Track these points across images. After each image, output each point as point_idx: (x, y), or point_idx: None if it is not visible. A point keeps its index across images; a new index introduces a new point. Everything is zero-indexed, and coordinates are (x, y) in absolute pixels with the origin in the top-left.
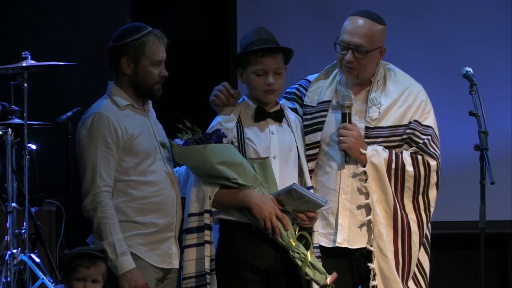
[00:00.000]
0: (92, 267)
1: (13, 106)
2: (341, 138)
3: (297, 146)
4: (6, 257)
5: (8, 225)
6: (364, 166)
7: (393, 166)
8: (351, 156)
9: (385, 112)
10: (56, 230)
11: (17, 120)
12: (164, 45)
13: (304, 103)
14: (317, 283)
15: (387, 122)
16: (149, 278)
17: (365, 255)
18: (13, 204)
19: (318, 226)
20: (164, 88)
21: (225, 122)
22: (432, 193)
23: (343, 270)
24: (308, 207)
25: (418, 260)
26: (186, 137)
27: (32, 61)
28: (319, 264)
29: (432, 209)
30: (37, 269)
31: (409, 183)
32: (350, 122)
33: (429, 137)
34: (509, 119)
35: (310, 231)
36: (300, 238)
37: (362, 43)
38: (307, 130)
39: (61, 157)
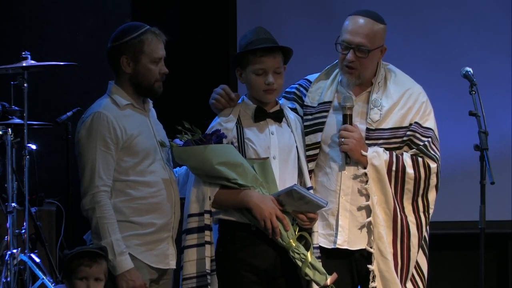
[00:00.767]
0: (94, 266)
1: (13, 106)
2: (342, 139)
3: (296, 147)
4: (6, 257)
5: (8, 225)
6: (365, 168)
7: (394, 168)
8: (352, 158)
9: (386, 114)
10: (56, 230)
11: (17, 120)
12: (162, 43)
13: (305, 103)
14: (317, 284)
15: (388, 124)
16: (144, 279)
17: (365, 256)
18: (13, 204)
19: (318, 226)
20: (164, 88)
21: (224, 122)
22: (432, 195)
23: (343, 271)
24: (309, 208)
25: (417, 262)
26: (186, 138)
27: (32, 61)
28: (319, 264)
29: (431, 211)
30: (37, 269)
31: (409, 185)
32: (351, 123)
33: (430, 139)
34: (509, 119)
35: (310, 232)
36: (300, 239)
37: (364, 43)
38: (307, 131)
39: (61, 157)
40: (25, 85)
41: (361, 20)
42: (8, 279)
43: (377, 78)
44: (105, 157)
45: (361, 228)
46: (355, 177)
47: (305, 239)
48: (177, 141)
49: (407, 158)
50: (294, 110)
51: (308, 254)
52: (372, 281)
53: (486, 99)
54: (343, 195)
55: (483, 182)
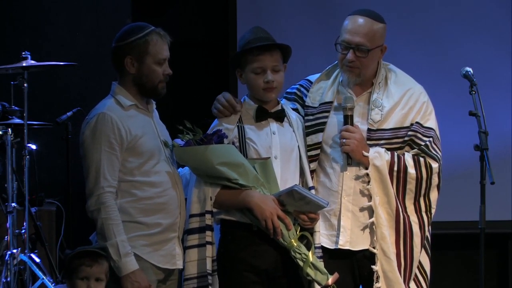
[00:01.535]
0: (95, 265)
1: (13, 106)
2: (344, 140)
3: (298, 146)
4: (6, 257)
5: (8, 225)
6: (367, 169)
7: (395, 168)
8: (354, 159)
9: (387, 114)
10: (56, 230)
11: (17, 120)
12: (167, 44)
13: (306, 104)
14: (319, 284)
15: (389, 124)
16: (150, 280)
17: (367, 257)
18: (13, 204)
19: (319, 226)
20: (167, 80)
21: (226, 122)
22: (434, 195)
23: (345, 272)
24: (310, 208)
25: (419, 261)
26: (187, 138)
27: (32, 61)
28: (320, 264)
29: (433, 211)
30: (37, 269)
31: (411, 185)
32: (352, 124)
33: (431, 139)
34: (509, 119)
35: (312, 232)
36: (301, 239)
37: (363, 42)
38: (308, 131)
39: (61, 157)
40: (25, 85)
41: (360, 20)
42: (8, 279)
43: (378, 78)
44: (110, 158)
45: (363, 228)
46: (357, 177)
47: (306, 239)
48: (178, 141)
49: (408, 158)
50: (295, 110)
51: (310, 254)
52: (376, 282)
53: (486, 99)
54: (345, 195)
55: (483, 182)
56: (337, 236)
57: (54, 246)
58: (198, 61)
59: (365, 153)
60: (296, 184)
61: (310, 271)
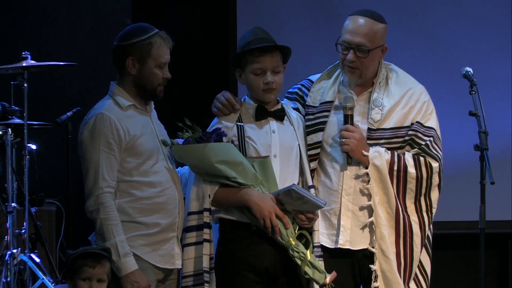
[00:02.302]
0: (97, 266)
1: (13, 106)
2: (343, 140)
3: (299, 145)
4: (6, 257)
5: (8, 225)
6: (367, 168)
7: (395, 167)
8: (354, 158)
9: (388, 114)
10: (56, 230)
11: (17, 120)
12: (169, 48)
13: (306, 103)
14: (317, 282)
15: (389, 123)
16: (150, 279)
17: (367, 256)
18: (13, 204)
19: (318, 225)
20: (164, 88)
21: (225, 120)
22: (434, 195)
23: (345, 271)
24: (308, 207)
25: (420, 261)
26: (186, 136)
27: (32, 61)
28: (318, 263)
29: (434, 211)
30: (37, 269)
31: (411, 185)
32: (352, 123)
33: (431, 138)
34: (509, 119)
35: (310, 231)
36: (299, 237)
37: (364, 42)
38: (309, 130)
39: (61, 157)
40: (25, 85)
41: (361, 20)
42: (8, 279)
43: (378, 78)
44: (109, 158)
45: (363, 228)
46: (357, 177)
47: (305, 238)
48: (178, 140)
49: (408, 158)
50: (296, 109)
51: (308, 252)
52: (374, 281)
53: (486, 99)
54: (345, 195)
55: (483, 182)
56: (337, 235)
57: (54, 246)
58: (198, 61)
59: (365, 153)
60: (294, 184)
61: (308, 269)
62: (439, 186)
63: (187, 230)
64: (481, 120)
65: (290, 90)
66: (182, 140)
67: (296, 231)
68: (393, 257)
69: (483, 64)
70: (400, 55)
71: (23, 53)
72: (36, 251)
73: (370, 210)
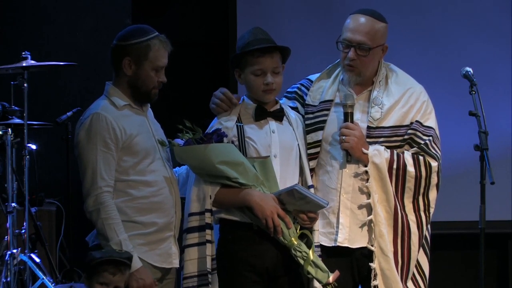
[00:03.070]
0: (117, 274)
1: (13, 106)
2: (343, 137)
3: (298, 145)
4: (6, 257)
5: (8, 225)
6: (366, 166)
7: (395, 166)
8: (353, 156)
9: (387, 112)
10: (56, 230)
11: (17, 120)
12: (167, 52)
13: (306, 102)
14: (320, 282)
15: (389, 122)
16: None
17: (366, 254)
18: (13, 204)
19: (318, 225)
20: (163, 88)
21: (225, 121)
22: (432, 194)
23: (344, 270)
24: (310, 207)
25: (417, 261)
26: (187, 137)
27: (32, 61)
28: (321, 262)
29: (432, 210)
30: (37, 269)
31: (410, 184)
32: (352, 121)
33: (431, 138)
34: (509, 119)
35: (311, 230)
36: (301, 237)
37: (364, 41)
38: (308, 129)
39: (61, 157)
40: (25, 85)
41: (362, 19)
42: (8, 279)
43: (378, 77)
44: (106, 157)
45: (361, 226)
46: (356, 175)
47: (306, 237)
48: (178, 140)
49: (408, 157)
50: (295, 109)
51: (310, 252)
52: (373, 279)
53: (486, 99)
54: (344, 193)
55: (483, 182)
56: (336, 233)
57: (54, 246)
58: (198, 61)
59: (365, 151)
60: (296, 184)
61: (311, 269)
62: (437, 185)
63: (188, 231)
64: (481, 120)
65: (289, 89)
66: (181, 141)
67: (297, 231)
68: (391, 255)
69: (483, 64)
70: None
71: (23, 53)
72: (36, 251)
73: (369, 209)
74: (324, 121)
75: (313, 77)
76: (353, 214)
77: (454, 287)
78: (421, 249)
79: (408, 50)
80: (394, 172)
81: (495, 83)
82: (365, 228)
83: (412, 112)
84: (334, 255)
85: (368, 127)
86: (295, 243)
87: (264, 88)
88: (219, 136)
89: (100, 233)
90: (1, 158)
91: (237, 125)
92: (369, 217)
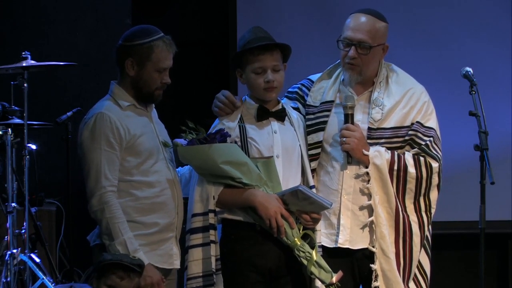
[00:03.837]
0: (126, 279)
1: (13, 106)
2: (344, 139)
3: (300, 145)
4: (6, 257)
5: (8, 225)
6: (367, 167)
7: (396, 167)
8: (354, 157)
9: (388, 113)
10: (56, 230)
11: (17, 120)
12: (171, 53)
13: (307, 103)
14: (323, 282)
15: (389, 123)
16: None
17: (367, 255)
18: (13, 204)
19: (320, 225)
20: (164, 88)
21: (227, 121)
22: (434, 195)
23: (345, 271)
24: (313, 208)
25: (419, 261)
26: (190, 137)
27: (32, 61)
28: (324, 263)
29: (433, 211)
30: (37, 269)
31: (411, 185)
32: (352, 123)
33: (431, 138)
34: (509, 119)
35: (313, 231)
36: (304, 237)
37: (365, 39)
38: (309, 130)
39: (61, 157)
40: (25, 85)
41: (363, 18)
42: (8, 279)
43: (379, 77)
44: (110, 157)
45: (362, 227)
46: (357, 176)
47: (309, 238)
48: (180, 140)
49: (408, 158)
50: (296, 109)
51: (313, 252)
52: (374, 281)
53: (486, 99)
54: (345, 194)
55: (483, 182)
56: (337, 234)
57: (54, 246)
58: (198, 61)
59: (365, 152)
60: (300, 184)
61: (314, 269)
62: (438, 186)
63: (192, 232)
64: (481, 120)
65: (290, 89)
66: (183, 140)
67: (300, 231)
68: (393, 256)
69: (483, 64)
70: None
71: (23, 53)
72: (36, 251)
73: (370, 210)
74: (325, 122)
75: (314, 77)
76: (354, 215)
77: (454, 287)
78: (422, 249)
79: (408, 50)
80: (395, 173)
81: (495, 83)
82: (366, 229)
83: (412, 113)
84: (335, 256)
85: (369, 128)
86: (298, 243)
87: (265, 86)
88: (222, 136)
89: (105, 233)
90: (1, 158)
91: (239, 126)
92: (370, 218)
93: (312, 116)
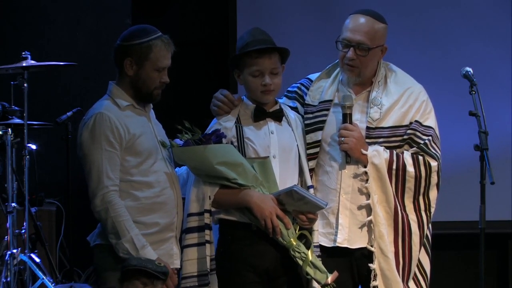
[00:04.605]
0: (149, 286)
1: (13, 106)
2: (342, 138)
3: (297, 145)
4: (6, 257)
5: (8, 225)
6: (365, 167)
7: (394, 166)
8: (352, 157)
9: (386, 113)
10: (56, 230)
11: (17, 120)
12: (170, 53)
13: (306, 102)
14: (318, 282)
15: (388, 122)
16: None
17: (366, 255)
18: (13, 204)
19: (318, 225)
20: (163, 88)
21: (224, 121)
22: (433, 194)
23: (343, 270)
24: (308, 208)
25: (419, 260)
26: (186, 138)
27: (32, 61)
28: (320, 263)
29: (432, 210)
30: (37, 269)
31: (410, 184)
32: (351, 122)
33: (430, 137)
34: (509, 119)
35: (310, 230)
36: (300, 238)
37: (364, 40)
38: (308, 129)
39: (61, 157)
40: (25, 85)
41: (362, 19)
42: (8, 279)
43: (377, 77)
44: (111, 156)
45: (361, 227)
46: (356, 175)
47: (305, 238)
48: (177, 141)
49: (407, 157)
50: (295, 109)
51: (309, 252)
52: (373, 280)
53: (486, 99)
54: (343, 193)
55: (483, 182)
56: (335, 234)
57: (54, 246)
58: (198, 61)
59: (364, 151)
60: (295, 184)
61: (309, 270)
62: (437, 185)
63: (187, 231)
64: (481, 120)
65: (289, 88)
66: (181, 141)
67: (296, 231)
68: (392, 256)
69: (483, 64)
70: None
71: (23, 53)
72: (36, 251)
73: (369, 209)
74: (324, 121)
75: (313, 76)
76: (353, 214)
77: (454, 287)
78: (422, 248)
79: (408, 50)
80: (393, 172)
81: (495, 83)
82: (365, 228)
83: (411, 112)
84: (333, 256)
85: (367, 128)
86: (294, 243)
87: (262, 89)
88: (217, 137)
89: (111, 232)
90: (1, 158)
91: (236, 126)
92: (369, 218)
93: (310, 116)
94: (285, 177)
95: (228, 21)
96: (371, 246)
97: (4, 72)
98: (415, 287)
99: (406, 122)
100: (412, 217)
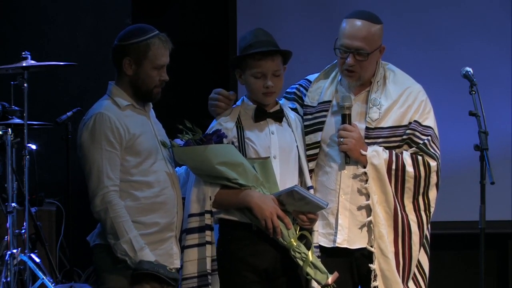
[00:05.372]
0: None
1: (13, 106)
2: (341, 139)
3: (297, 146)
4: (6, 257)
5: (8, 225)
6: (365, 167)
7: (394, 167)
8: (351, 157)
9: (386, 113)
10: (56, 230)
11: (17, 120)
12: (168, 50)
13: (305, 103)
14: (319, 283)
15: (387, 122)
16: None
17: (366, 255)
18: (13, 204)
19: (318, 225)
20: (163, 88)
21: (224, 122)
22: (432, 194)
23: (343, 270)
24: (309, 208)
25: (418, 260)
26: (187, 138)
27: (32, 61)
28: (320, 263)
29: (432, 210)
30: (37, 269)
31: (409, 184)
32: (350, 123)
33: (429, 137)
34: (509, 119)
35: (310, 231)
36: (300, 238)
37: (362, 46)
38: (307, 130)
39: (61, 157)
40: (25, 85)
41: (358, 23)
42: (8, 279)
43: (376, 77)
44: (111, 156)
45: (361, 227)
46: (355, 176)
47: (305, 238)
48: (178, 141)
49: (406, 157)
50: (294, 110)
51: (309, 253)
52: (373, 280)
53: (486, 99)
54: (343, 194)
55: (483, 182)
56: (335, 234)
57: (54, 246)
58: (198, 61)
59: (363, 152)
60: (296, 185)
61: (310, 270)
62: (437, 185)
63: (188, 232)
64: (481, 120)
65: (288, 90)
66: (181, 141)
67: (297, 232)
68: (391, 256)
69: (483, 64)
70: (400, 55)
71: (23, 53)
72: (36, 251)
73: (368, 210)
74: (323, 122)
75: (312, 77)
76: (352, 215)
77: (454, 287)
78: (421, 248)
79: (408, 50)
80: (393, 172)
81: (495, 83)
82: (365, 229)
83: (410, 112)
84: (333, 256)
85: (367, 128)
86: (295, 244)
87: (264, 91)
88: (218, 137)
89: (110, 232)
90: (1, 158)
91: (236, 126)
92: (369, 218)
93: (310, 117)
94: (286, 177)
95: (228, 21)
96: (371, 246)
97: (4, 72)
98: (414, 287)
99: (405, 122)
100: (412, 217)
